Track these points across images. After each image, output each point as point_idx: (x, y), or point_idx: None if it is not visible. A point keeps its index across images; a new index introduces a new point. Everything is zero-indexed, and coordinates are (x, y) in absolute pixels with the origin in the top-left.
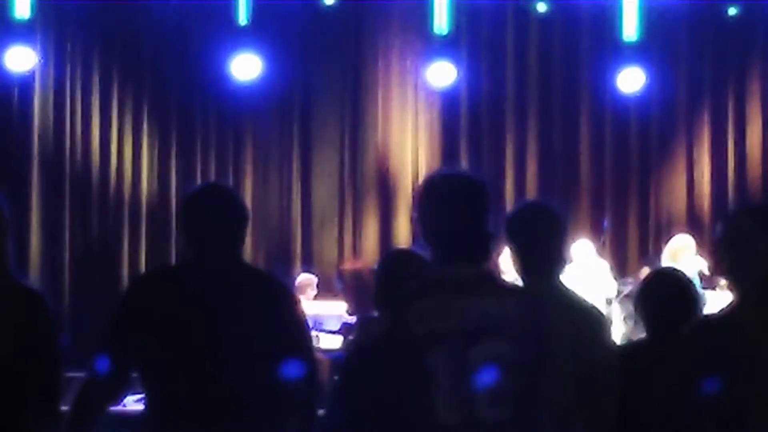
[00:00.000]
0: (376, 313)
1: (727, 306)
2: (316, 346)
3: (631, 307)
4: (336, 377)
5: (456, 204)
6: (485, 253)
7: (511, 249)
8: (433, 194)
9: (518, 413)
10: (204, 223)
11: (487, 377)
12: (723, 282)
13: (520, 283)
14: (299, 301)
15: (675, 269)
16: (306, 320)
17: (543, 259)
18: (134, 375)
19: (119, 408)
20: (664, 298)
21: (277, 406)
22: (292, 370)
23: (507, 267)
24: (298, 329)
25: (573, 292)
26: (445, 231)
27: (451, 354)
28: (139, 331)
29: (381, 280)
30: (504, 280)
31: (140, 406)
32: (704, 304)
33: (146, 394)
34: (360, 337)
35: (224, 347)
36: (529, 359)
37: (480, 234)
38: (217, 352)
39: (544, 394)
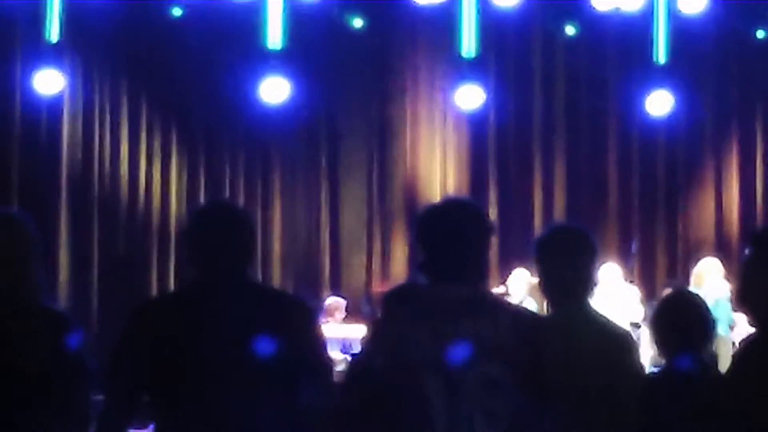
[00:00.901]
0: None
1: (748, 338)
2: (344, 368)
3: None
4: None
5: (446, 227)
6: (479, 274)
7: (539, 272)
8: (429, 218)
9: None
10: (207, 240)
11: (482, 397)
12: None
13: (533, 305)
14: (317, 319)
15: (688, 291)
16: (324, 340)
17: (572, 282)
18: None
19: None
20: (676, 321)
21: (294, 427)
22: (307, 390)
23: (514, 289)
24: (314, 348)
25: (602, 316)
26: (438, 253)
27: (447, 377)
28: (145, 355)
29: (385, 311)
30: (500, 300)
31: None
32: (731, 326)
33: (156, 420)
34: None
35: (231, 368)
36: (524, 380)
37: (472, 255)
38: (223, 373)
39: (548, 416)
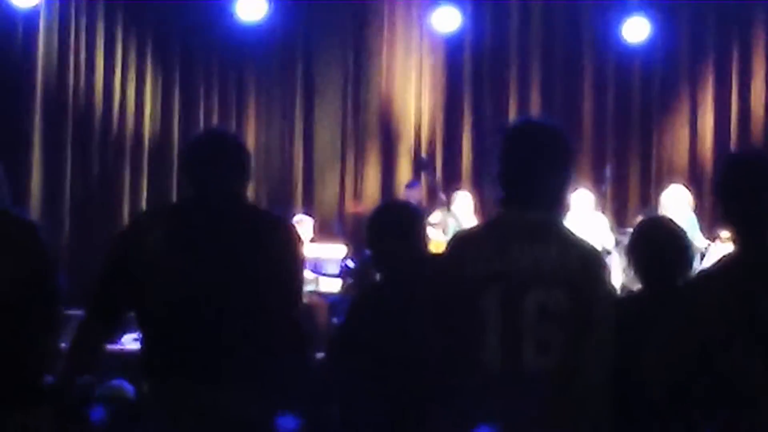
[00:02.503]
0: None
1: (726, 257)
2: (316, 288)
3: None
4: (339, 319)
5: (529, 150)
6: (555, 202)
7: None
8: (509, 139)
9: (562, 365)
10: (203, 160)
11: (537, 324)
12: (724, 234)
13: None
14: (302, 241)
15: (664, 217)
16: (301, 260)
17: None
18: (130, 315)
19: (116, 347)
20: (653, 246)
21: (271, 342)
22: (284, 308)
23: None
24: (293, 269)
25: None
26: (515, 176)
27: (506, 297)
28: (133, 271)
29: (371, 234)
30: (570, 231)
31: (137, 346)
32: (700, 254)
33: (142, 335)
34: (362, 279)
35: (218, 286)
36: (581, 312)
37: (551, 181)
38: (211, 290)
39: (580, 347)
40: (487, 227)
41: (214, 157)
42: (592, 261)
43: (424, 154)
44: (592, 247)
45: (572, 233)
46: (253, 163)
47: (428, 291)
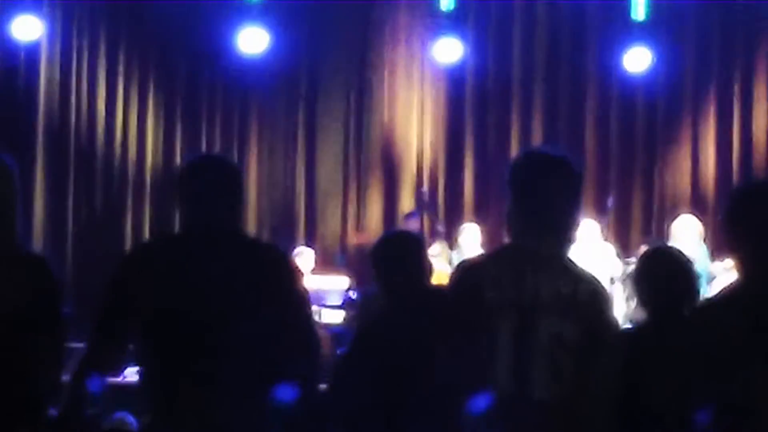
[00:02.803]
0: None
1: (732, 286)
2: (318, 320)
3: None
4: (342, 350)
5: (539, 183)
6: (565, 234)
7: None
8: (519, 170)
9: (572, 394)
10: (199, 191)
11: (549, 353)
12: (728, 263)
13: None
14: (300, 271)
15: (670, 247)
16: (304, 289)
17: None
18: (131, 347)
19: (119, 379)
20: (660, 275)
21: (274, 376)
22: (290, 340)
23: (466, 243)
24: (295, 299)
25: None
26: (529, 207)
27: (519, 324)
28: (134, 303)
29: (375, 265)
30: (578, 264)
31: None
32: (711, 281)
33: (142, 367)
34: (365, 311)
35: (219, 317)
36: (588, 343)
37: (561, 214)
38: (212, 322)
39: (589, 376)
40: (497, 257)
41: (214, 185)
42: (599, 295)
43: (423, 188)
44: (599, 281)
45: (580, 267)
46: (255, 195)
47: (443, 316)
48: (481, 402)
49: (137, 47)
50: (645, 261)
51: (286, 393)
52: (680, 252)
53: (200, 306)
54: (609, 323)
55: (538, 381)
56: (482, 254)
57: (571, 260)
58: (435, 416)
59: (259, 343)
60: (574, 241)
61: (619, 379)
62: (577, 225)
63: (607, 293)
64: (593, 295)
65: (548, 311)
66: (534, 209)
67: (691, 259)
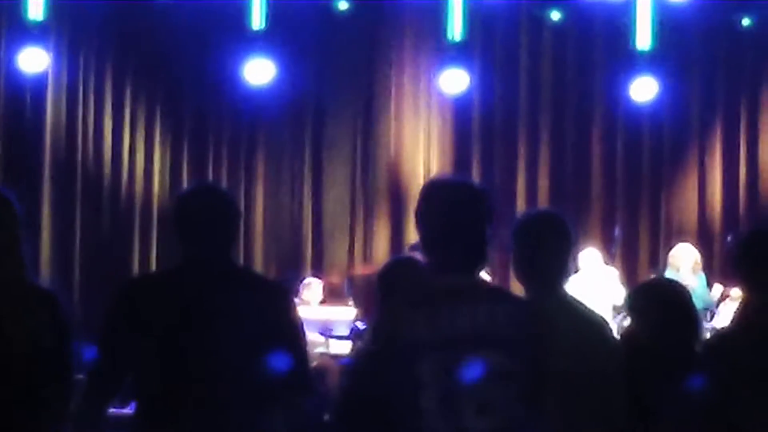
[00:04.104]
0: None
1: (742, 318)
2: (326, 351)
3: None
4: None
5: (450, 211)
6: (480, 262)
7: (515, 256)
8: (428, 201)
9: (507, 424)
10: (195, 223)
11: (476, 386)
12: (734, 293)
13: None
14: (293, 301)
15: (669, 279)
16: (300, 321)
17: (548, 268)
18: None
19: (125, 411)
20: (659, 309)
21: (267, 403)
22: (282, 366)
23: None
24: (290, 329)
25: (577, 302)
26: (438, 238)
27: (441, 362)
28: (130, 334)
29: (382, 288)
30: (498, 288)
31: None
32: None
33: (138, 396)
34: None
35: (214, 348)
36: (521, 369)
37: (475, 242)
38: (207, 353)
39: (544, 405)
40: (415, 294)
41: (208, 218)
42: (525, 314)
43: None
44: (524, 299)
45: (502, 290)
46: (262, 225)
47: (363, 359)
48: None
49: (144, 78)
50: (645, 293)
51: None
52: (677, 284)
53: (194, 338)
54: (537, 343)
55: (466, 416)
56: (399, 297)
57: (489, 286)
58: None
59: (255, 374)
60: (485, 266)
61: (616, 407)
62: (489, 249)
63: (532, 309)
64: (515, 317)
65: (469, 345)
66: (442, 240)
67: (688, 289)
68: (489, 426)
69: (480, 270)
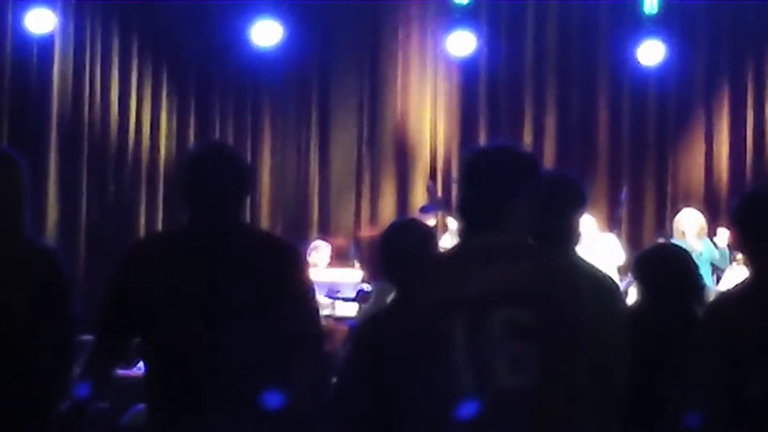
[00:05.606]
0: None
1: (744, 283)
2: (332, 313)
3: None
4: (349, 345)
5: (481, 174)
6: (517, 223)
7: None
8: (465, 166)
9: (539, 382)
10: (204, 183)
11: (507, 343)
12: (740, 257)
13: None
14: (305, 262)
15: (672, 245)
16: (311, 283)
17: (559, 230)
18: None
19: (133, 371)
20: (663, 272)
21: (280, 367)
22: (293, 328)
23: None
24: (301, 290)
25: (588, 263)
26: (469, 201)
27: (469, 320)
28: (137, 297)
29: (383, 251)
30: (534, 247)
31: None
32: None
33: (146, 361)
34: (374, 305)
35: (225, 310)
36: (550, 327)
37: (505, 203)
38: (218, 315)
39: (560, 363)
40: (444, 255)
41: (218, 178)
42: (559, 273)
43: (431, 182)
44: (559, 258)
45: (537, 249)
46: (268, 188)
47: (391, 321)
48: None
49: (150, 40)
50: (647, 259)
51: (273, 400)
52: (681, 249)
53: (201, 302)
54: (577, 305)
55: (498, 373)
56: (436, 255)
57: (519, 245)
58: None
59: (262, 339)
60: (527, 227)
61: (618, 371)
62: (531, 211)
63: (567, 268)
64: (552, 276)
65: (497, 303)
66: (476, 201)
67: (691, 254)
68: (521, 383)
69: (511, 230)
